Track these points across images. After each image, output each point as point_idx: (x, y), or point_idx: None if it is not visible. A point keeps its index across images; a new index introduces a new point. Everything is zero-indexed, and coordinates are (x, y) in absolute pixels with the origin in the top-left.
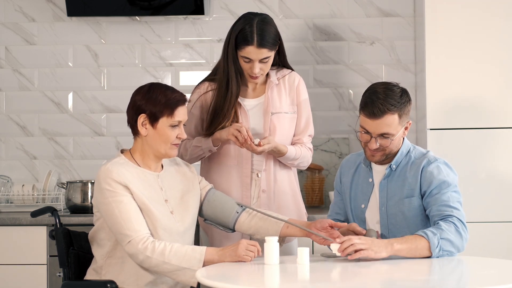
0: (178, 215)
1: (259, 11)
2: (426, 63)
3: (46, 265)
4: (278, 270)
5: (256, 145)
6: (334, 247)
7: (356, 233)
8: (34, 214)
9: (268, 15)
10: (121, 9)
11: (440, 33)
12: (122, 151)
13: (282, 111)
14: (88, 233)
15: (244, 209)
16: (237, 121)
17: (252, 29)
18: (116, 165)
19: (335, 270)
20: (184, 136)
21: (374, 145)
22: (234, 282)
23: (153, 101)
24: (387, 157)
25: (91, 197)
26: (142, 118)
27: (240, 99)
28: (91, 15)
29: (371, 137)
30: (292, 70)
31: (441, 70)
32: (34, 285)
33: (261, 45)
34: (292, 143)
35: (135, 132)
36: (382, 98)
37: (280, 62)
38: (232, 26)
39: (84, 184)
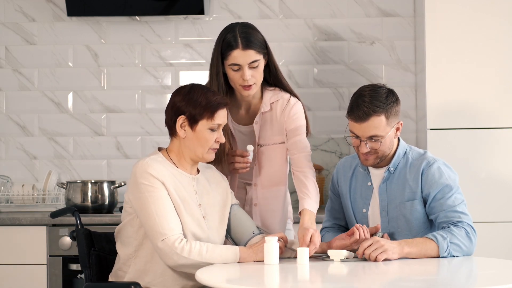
0: (211, 222)
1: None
2: (426, 63)
3: (46, 265)
4: (278, 270)
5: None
6: (331, 254)
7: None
8: (54, 214)
9: (250, 23)
10: (121, 9)
11: (440, 33)
12: (159, 149)
13: (271, 142)
14: (107, 234)
15: (261, 233)
16: (230, 148)
17: (235, 34)
18: (154, 161)
19: (335, 270)
20: (223, 140)
21: (364, 148)
22: (234, 282)
23: (193, 103)
24: (381, 160)
25: (91, 197)
26: (181, 120)
27: (233, 124)
28: (91, 15)
29: (361, 141)
30: (291, 92)
31: (441, 70)
32: (34, 285)
33: (246, 46)
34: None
35: (173, 133)
36: (367, 101)
37: (273, 81)
38: (216, 41)
39: (84, 184)
